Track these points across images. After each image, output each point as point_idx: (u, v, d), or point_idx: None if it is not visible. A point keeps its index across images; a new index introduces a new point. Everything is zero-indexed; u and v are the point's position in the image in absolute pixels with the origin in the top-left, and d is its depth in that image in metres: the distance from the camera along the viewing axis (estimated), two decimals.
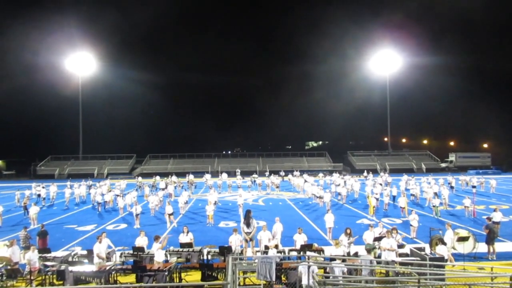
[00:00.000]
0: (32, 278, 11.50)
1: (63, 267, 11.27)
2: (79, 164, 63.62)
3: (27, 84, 68.35)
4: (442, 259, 11.82)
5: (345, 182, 34.22)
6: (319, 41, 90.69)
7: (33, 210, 21.49)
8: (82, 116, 64.59)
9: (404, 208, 22.10)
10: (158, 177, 41.67)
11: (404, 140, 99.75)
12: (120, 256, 13.46)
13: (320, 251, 13.43)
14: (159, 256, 12.22)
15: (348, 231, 13.79)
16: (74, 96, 64.70)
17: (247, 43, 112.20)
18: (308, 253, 12.68)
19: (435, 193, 26.11)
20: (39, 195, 31.36)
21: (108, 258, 13.08)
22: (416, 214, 17.57)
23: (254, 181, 38.21)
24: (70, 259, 12.89)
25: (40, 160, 63.41)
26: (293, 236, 14.22)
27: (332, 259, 11.58)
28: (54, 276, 11.35)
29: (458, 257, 13.45)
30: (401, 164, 62.97)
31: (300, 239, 13.90)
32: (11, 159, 69.59)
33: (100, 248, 12.44)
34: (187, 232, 14.47)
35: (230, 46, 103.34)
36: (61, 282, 11.18)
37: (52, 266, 11.77)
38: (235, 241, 13.82)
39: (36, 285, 11.52)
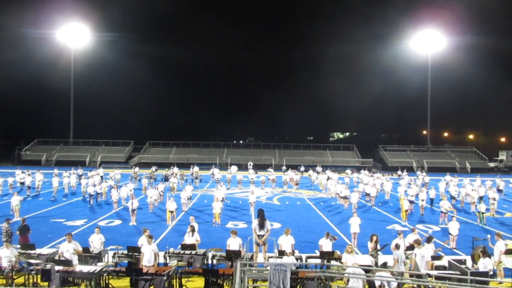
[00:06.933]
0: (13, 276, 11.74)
1: (48, 266, 11.43)
2: (69, 150, 64.33)
3: (12, 57, 69.00)
4: (486, 274, 11.69)
5: (374, 180, 33.92)
6: (348, 18, 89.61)
7: (15, 201, 21.72)
8: (73, 95, 65.09)
9: (445, 214, 21.86)
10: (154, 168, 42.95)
11: (446, 134, 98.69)
12: (113, 257, 13.64)
13: (340, 259, 13.40)
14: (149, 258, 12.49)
15: (374, 238, 13.71)
16: (65, 72, 65.24)
17: (266, 19, 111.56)
18: (333, 262, 12.65)
19: (481, 198, 25.69)
20: (22, 183, 31.89)
21: (99, 258, 13.28)
22: (456, 221, 17.38)
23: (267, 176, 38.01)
24: (56, 257, 13.11)
25: (26, 144, 64.25)
26: (312, 240, 14.21)
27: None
28: (39, 276, 11.54)
29: (505, 272, 13.29)
30: (442, 162, 62.23)
31: (327, 244, 13.92)
32: None
33: (68, 248, 12.66)
34: (192, 232, 14.57)
35: (245, 21, 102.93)
36: (46, 284, 11.38)
37: (37, 264, 11.96)
38: (233, 246, 13.77)
39: (18, 286, 11.73)
